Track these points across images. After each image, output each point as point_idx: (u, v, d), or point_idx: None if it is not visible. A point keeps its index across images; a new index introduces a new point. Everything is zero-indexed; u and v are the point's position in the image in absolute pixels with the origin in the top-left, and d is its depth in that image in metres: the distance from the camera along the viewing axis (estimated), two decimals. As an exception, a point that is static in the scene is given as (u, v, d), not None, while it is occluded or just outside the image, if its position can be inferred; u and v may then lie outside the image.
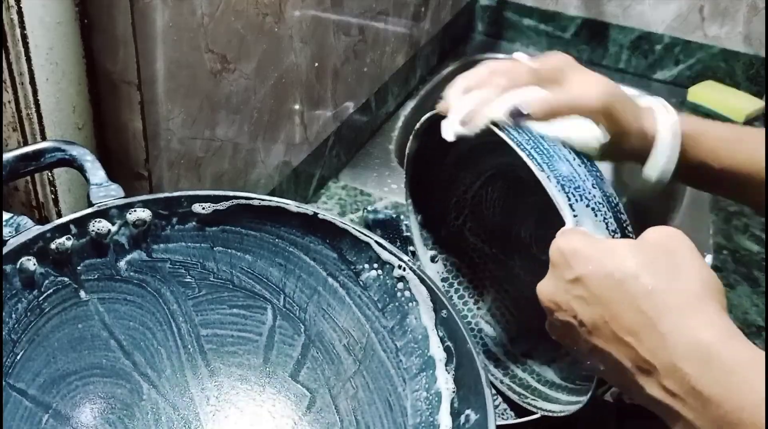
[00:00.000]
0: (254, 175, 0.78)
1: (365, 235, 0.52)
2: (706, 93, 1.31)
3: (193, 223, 0.53)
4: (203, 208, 0.52)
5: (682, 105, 1.32)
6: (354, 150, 1.05)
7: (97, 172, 0.51)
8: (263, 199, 0.53)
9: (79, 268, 0.50)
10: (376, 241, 0.52)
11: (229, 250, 0.54)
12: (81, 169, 0.52)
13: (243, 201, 0.53)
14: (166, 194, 0.52)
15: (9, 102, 0.53)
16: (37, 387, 0.48)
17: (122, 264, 0.52)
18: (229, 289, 0.55)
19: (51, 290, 0.49)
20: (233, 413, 0.54)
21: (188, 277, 0.54)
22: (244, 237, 0.54)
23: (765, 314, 0.84)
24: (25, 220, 0.48)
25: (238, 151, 0.73)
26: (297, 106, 0.83)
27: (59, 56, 0.53)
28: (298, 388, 0.54)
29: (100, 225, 0.50)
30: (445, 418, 0.46)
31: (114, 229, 0.50)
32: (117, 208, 0.50)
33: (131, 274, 0.52)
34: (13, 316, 0.46)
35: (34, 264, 0.47)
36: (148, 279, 0.53)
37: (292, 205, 0.53)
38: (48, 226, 0.48)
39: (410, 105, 1.21)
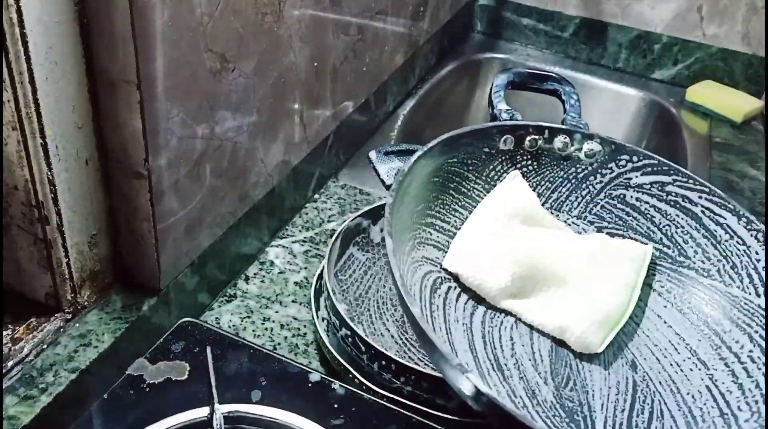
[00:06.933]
0: (253, 174, 0.78)
1: None
2: (704, 92, 1.32)
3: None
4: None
5: (681, 105, 1.33)
6: (353, 149, 1.05)
7: (575, 105, 0.78)
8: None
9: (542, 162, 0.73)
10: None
11: None
12: (562, 101, 0.79)
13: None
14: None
15: (8, 101, 0.53)
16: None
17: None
18: None
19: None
20: None
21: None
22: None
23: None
24: (518, 116, 0.74)
25: (238, 150, 0.73)
26: (296, 106, 0.83)
27: (58, 55, 0.53)
28: None
29: (566, 140, 0.72)
30: None
31: (572, 149, 0.73)
32: (581, 134, 0.73)
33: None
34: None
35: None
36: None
37: None
38: (529, 122, 0.71)
39: (409, 104, 1.21)
